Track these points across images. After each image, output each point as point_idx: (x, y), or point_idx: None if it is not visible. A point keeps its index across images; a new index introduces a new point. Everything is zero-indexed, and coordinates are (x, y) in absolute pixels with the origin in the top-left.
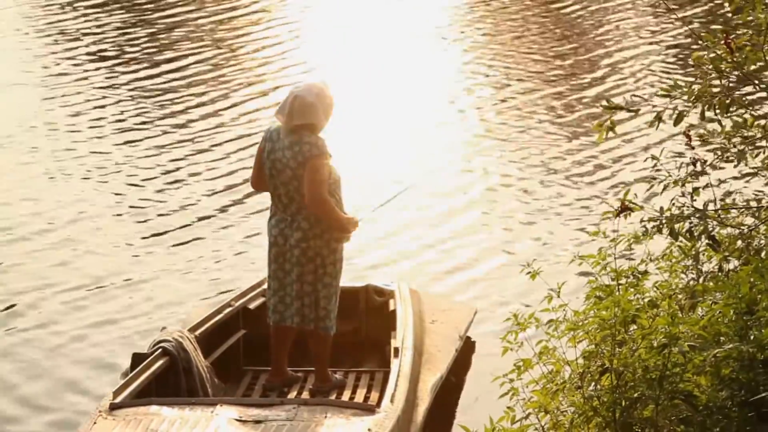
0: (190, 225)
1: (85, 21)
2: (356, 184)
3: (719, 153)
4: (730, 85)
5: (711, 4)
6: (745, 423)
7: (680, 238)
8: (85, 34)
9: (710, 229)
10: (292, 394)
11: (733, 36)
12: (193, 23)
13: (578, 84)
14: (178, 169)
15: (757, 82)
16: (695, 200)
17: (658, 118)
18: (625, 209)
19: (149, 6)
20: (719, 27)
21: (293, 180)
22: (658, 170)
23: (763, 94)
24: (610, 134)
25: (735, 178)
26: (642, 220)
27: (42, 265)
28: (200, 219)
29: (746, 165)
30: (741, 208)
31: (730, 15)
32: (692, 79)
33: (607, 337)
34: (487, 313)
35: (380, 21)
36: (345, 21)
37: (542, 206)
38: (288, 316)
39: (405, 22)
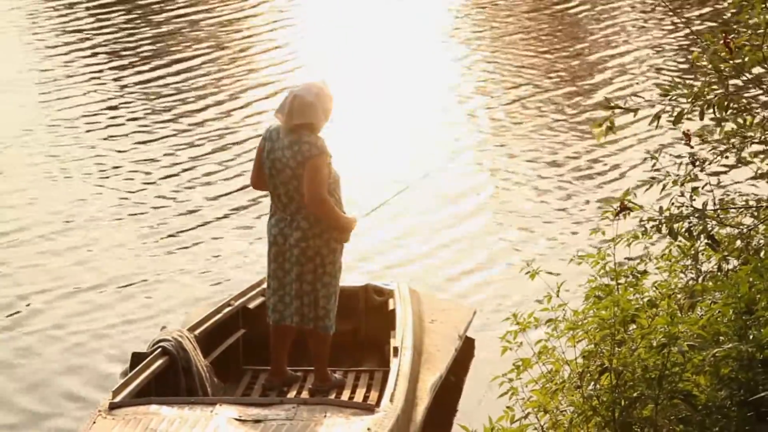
0: (191, 225)
1: (90, 21)
2: (357, 184)
3: (718, 152)
4: (729, 84)
5: (712, 5)
6: (744, 422)
7: (679, 238)
8: (90, 35)
9: (709, 228)
10: (292, 394)
11: (733, 36)
12: (198, 24)
13: (580, 84)
14: (180, 169)
15: (755, 81)
16: (694, 200)
17: (657, 118)
18: (624, 209)
19: (154, 6)
20: (720, 27)
21: (293, 179)
22: (657, 170)
23: (762, 93)
24: (610, 134)
25: (734, 177)
26: (641, 220)
27: (45, 267)
28: (202, 219)
29: (745, 165)
30: (740, 207)
31: (729, 15)
32: (692, 79)
33: (606, 336)
34: (487, 312)
35: (384, 21)
36: (348, 21)
37: (542, 206)
38: (287, 316)
39: (409, 22)
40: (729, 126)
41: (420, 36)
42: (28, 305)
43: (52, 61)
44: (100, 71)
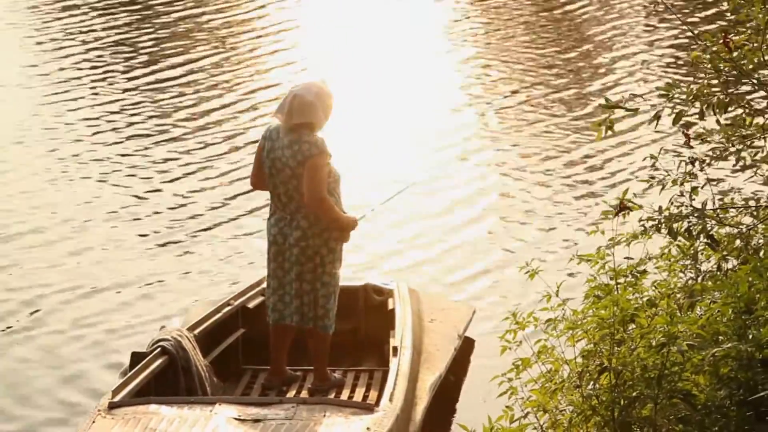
0: (195, 225)
1: (95, 22)
2: (357, 184)
3: (718, 152)
4: (728, 83)
5: (713, 6)
6: (743, 422)
7: (679, 238)
8: (95, 35)
9: (709, 228)
10: (291, 393)
11: (732, 35)
12: (198, 24)
13: (582, 84)
14: (184, 170)
15: (755, 81)
16: (694, 199)
17: (657, 117)
18: (623, 209)
19: (159, 7)
20: (719, 26)
21: (292, 179)
22: (656, 169)
23: (762, 93)
24: (609, 133)
25: (733, 177)
26: (641, 220)
27: (44, 265)
28: (205, 219)
29: (745, 164)
30: (739, 207)
31: (729, 15)
32: (692, 79)
33: (605, 336)
34: (486, 312)
35: (385, 21)
36: (348, 21)
37: (541, 205)
38: (287, 315)
39: (409, 21)
40: (728, 126)
41: (421, 36)
42: (30, 306)
43: (57, 61)
44: (105, 72)
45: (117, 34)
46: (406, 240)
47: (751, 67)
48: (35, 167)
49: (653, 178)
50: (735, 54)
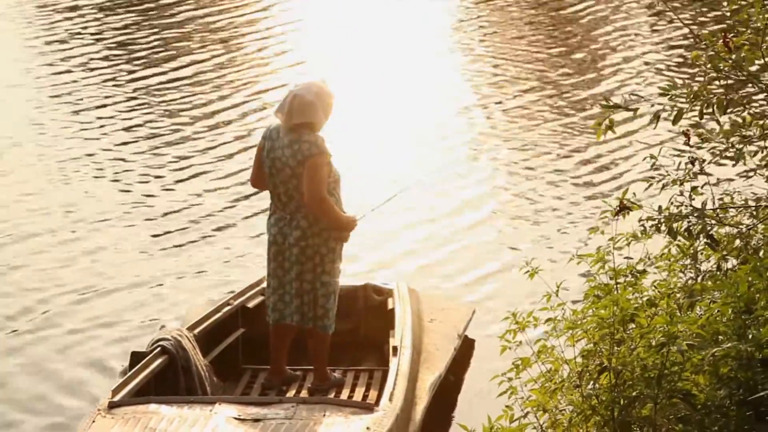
0: (197, 226)
1: (99, 21)
2: (358, 184)
3: (718, 152)
4: (729, 84)
5: (714, 6)
6: (743, 422)
7: (679, 237)
8: (99, 35)
9: (709, 228)
10: (291, 393)
11: (732, 35)
12: (198, 23)
13: (581, 84)
14: (187, 171)
15: (755, 80)
16: (694, 199)
17: (657, 117)
18: (623, 208)
19: (164, 7)
20: (719, 27)
21: (292, 178)
22: (656, 169)
23: (762, 93)
24: (610, 133)
25: (733, 177)
26: (641, 219)
27: (45, 266)
28: (208, 220)
29: (744, 164)
30: (739, 207)
31: (729, 15)
32: (692, 79)
33: (605, 336)
34: (486, 312)
35: (386, 20)
36: (349, 21)
37: (541, 205)
38: (288, 315)
39: (410, 21)
40: (728, 125)
41: (423, 36)
42: (36, 307)
43: (62, 61)
44: (109, 72)
45: (124, 34)
46: (405, 240)
47: (753, 68)
48: (42, 168)
49: (653, 178)
50: (735, 55)
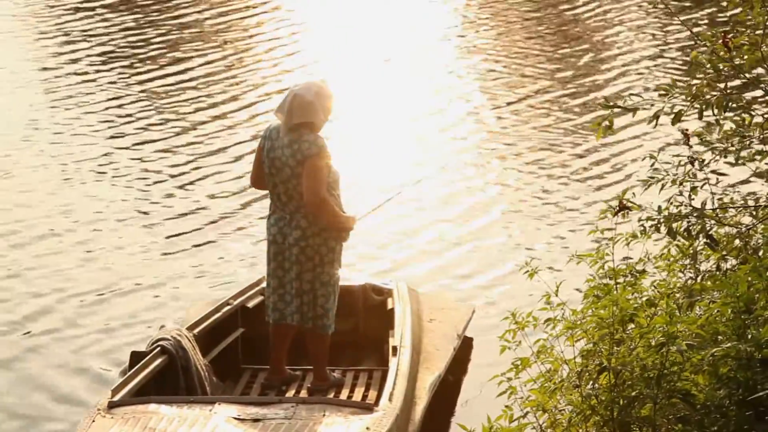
0: (196, 226)
1: (97, 22)
2: (358, 184)
3: (717, 152)
4: (728, 83)
5: (713, 7)
6: (742, 422)
7: (678, 237)
8: (96, 36)
9: (708, 228)
10: (291, 393)
11: (731, 35)
12: (202, 24)
13: (583, 84)
14: (186, 170)
15: (753, 80)
16: (693, 199)
17: (656, 117)
18: (623, 208)
19: (161, 8)
20: (719, 27)
21: (292, 178)
22: (656, 169)
23: (761, 93)
24: (610, 133)
25: (733, 177)
26: (640, 219)
27: (49, 267)
28: (208, 219)
29: (743, 164)
30: (739, 207)
31: (728, 15)
32: (691, 79)
33: (605, 335)
34: (485, 312)
35: (386, 20)
36: (352, 21)
37: (541, 205)
38: (288, 314)
39: (411, 21)
40: (728, 125)
41: (423, 36)
42: (32, 305)
43: (58, 61)
44: (107, 72)
45: (129, 35)
46: (404, 240)
47: (750, 66)
48: (39, 165)
49: (652, 178)
50: (734, 54)
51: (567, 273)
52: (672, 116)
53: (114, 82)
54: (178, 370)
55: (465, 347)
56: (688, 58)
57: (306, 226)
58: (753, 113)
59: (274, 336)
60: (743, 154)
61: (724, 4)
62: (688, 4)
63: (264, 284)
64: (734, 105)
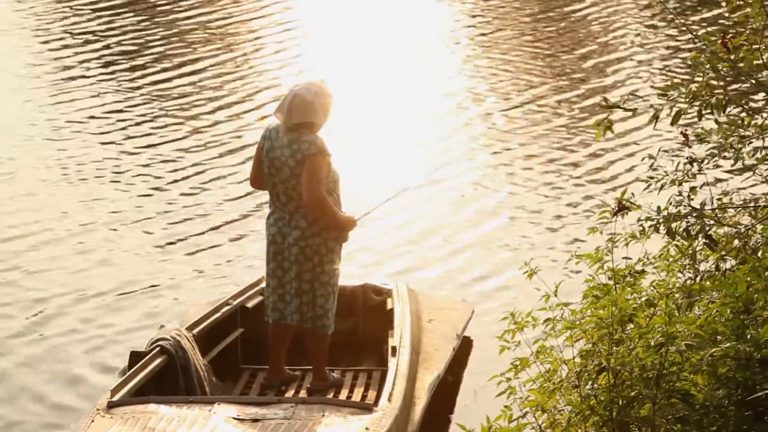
0: (198, 227)
1: (99, 23)
2: (358, 184)
3: (716, 152)
4: (727, 83)
5: (713, 8)
6: (741, 422)
7: (677, 238)
8: (99, 36)
9: (707, 228)
10: (290, 393)
11: (731, 35)
12: (207, 25)
13: (583, 85)
14: (188, 171)
15: (753, 80)
16: (692, 199)
17: (656, 117)
18: (622, 208)
19: (164, 8)
20: (719, 27)
21: (291, 178)
22: (655, 169)
23: (761, 93)
24: (609, 133)
25: (732, 177)
26: (639, 220)
27: (52, 269)
28: (210, 221)
29: (743, 164)
30: (738, 207)
31: (727, 16)
32: (691, 80)
33: (604, 336)
34: (485, 312)
35: (386, 20)
36: (355, 22)
37: (540, 205)
38: (288, 314)
39: (410, 21)
40: (726, 125)
41: (423, 36)
42: (37, 308)
43: (61, 62)
44: (110, 73)
45: (123, 34)
46: (404, 240)
47: (749, 67)
48: (42, 167)
49: (652, 178)
50: (733, 55)
51: (567, 273)
52: (672, 116)
53: (117, 84)
54: (178, 370)
55: (464, 347)
56: (687, 60)
57: (305, 226)
58: (753, 115)
59: (274, 336)
60: (743, 153)
61: (724, 5)
62: (689, 3)
63: (263, 284)
64: (734, 106)
